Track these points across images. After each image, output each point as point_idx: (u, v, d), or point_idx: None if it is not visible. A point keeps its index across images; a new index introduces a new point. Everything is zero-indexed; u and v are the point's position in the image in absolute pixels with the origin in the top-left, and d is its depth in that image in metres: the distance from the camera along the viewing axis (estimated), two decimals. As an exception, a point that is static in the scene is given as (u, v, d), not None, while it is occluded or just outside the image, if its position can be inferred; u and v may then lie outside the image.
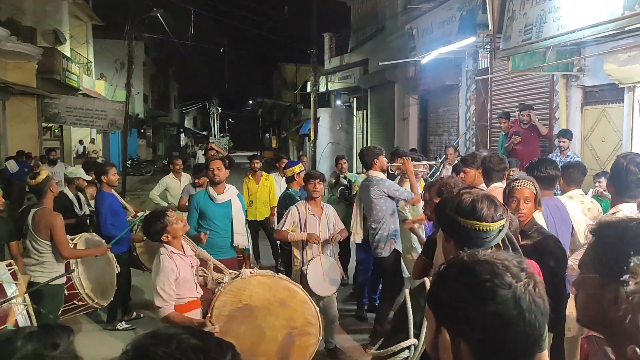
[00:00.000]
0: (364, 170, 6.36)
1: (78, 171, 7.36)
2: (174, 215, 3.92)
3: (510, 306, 1.12)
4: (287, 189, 6.73)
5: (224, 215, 5.38)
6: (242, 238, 5.48)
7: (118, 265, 5.79)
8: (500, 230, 2.02)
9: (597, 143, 8.33)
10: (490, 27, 8.50)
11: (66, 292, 5.21)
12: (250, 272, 3.92)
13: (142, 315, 6.64)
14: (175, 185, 8.46)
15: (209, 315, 3.71)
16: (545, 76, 9.12)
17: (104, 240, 5.75)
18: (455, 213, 1.99)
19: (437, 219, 2.14)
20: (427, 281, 1.86)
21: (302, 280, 5.08)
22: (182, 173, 8.77)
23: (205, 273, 4.19)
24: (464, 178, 4.95)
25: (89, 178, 7.39)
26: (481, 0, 8.92)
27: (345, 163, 8.40)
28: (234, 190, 5.54)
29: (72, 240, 5.48)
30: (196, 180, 7.47)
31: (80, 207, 7.09)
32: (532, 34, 7.52)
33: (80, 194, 7.23)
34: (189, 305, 3.93)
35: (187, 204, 6.94)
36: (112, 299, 5.69)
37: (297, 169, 6.63)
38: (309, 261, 5.29)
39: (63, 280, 5.01)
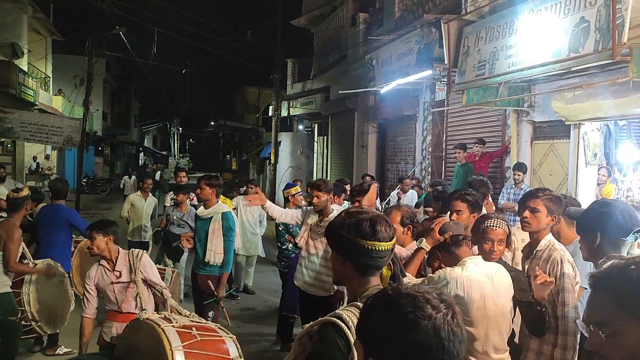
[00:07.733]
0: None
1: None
2: (97, 236, 4.23)
3: (430, 336, 1.21)
4: None
5: (201, 230, 5.54)
6: (214, 255, 5.42)
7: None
8: (392, 249, 2.03)
9: (545, 177, 8.64)
10: (446, 61, 8.79)
11: None
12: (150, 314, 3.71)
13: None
14: (140, 203, 8.74)
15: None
16: (497, 110, 9.46)
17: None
18: (355, 235, 1.93)
19: (330, 240, 2.02)
20: (339, 321, 1.84)
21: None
22: (149, 193, 9.04)
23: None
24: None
25: None
26: (438, 35, 9.23)
27: None
28: (221, 207, 5.56)
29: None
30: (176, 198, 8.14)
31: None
32: (485, 70, 7.82)
33: None
34: (111, 315, 4.31)
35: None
36: (57, 330, 5.62)
37: (293, 190, 7.05)
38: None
39: (7, 289, 5.08)
